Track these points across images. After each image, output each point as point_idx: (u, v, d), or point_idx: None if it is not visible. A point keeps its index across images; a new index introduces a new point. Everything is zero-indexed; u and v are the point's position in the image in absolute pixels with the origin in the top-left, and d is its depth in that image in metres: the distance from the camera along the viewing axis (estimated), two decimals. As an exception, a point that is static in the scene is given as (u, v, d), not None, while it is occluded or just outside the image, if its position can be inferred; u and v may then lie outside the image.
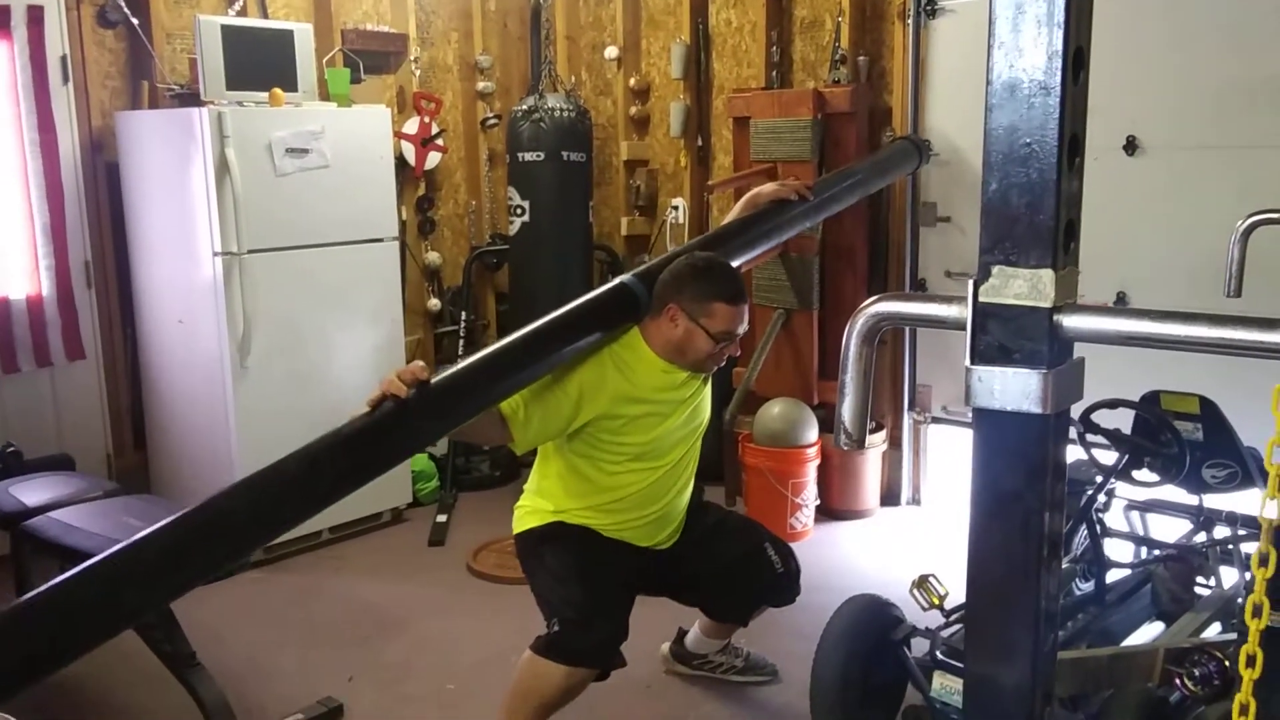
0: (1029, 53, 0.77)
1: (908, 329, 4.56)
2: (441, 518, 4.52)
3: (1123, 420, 3.13)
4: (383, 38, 5.03)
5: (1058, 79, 0.76)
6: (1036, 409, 0.80)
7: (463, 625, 3.62)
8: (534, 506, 2.78)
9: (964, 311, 0.83)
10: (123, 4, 4.17)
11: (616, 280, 2.72)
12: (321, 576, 4.05)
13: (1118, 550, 3.31)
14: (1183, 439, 2.98)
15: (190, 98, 4.13)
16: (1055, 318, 0.79)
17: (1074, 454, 3.39)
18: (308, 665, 3.36)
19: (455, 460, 4.91)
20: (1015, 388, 0.80)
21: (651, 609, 3.60)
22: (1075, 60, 0.77)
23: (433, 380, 2.14)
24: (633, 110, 5.37)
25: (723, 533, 2.97)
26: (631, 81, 5.30)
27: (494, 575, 3.96)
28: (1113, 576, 3.14)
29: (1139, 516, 3.51)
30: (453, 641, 3.48)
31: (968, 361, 0.84)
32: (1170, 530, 3.40)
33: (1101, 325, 0.80)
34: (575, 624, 2.55)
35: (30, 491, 3.35)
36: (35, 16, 3.99)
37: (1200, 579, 3.09)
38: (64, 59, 4.11)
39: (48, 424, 4.21)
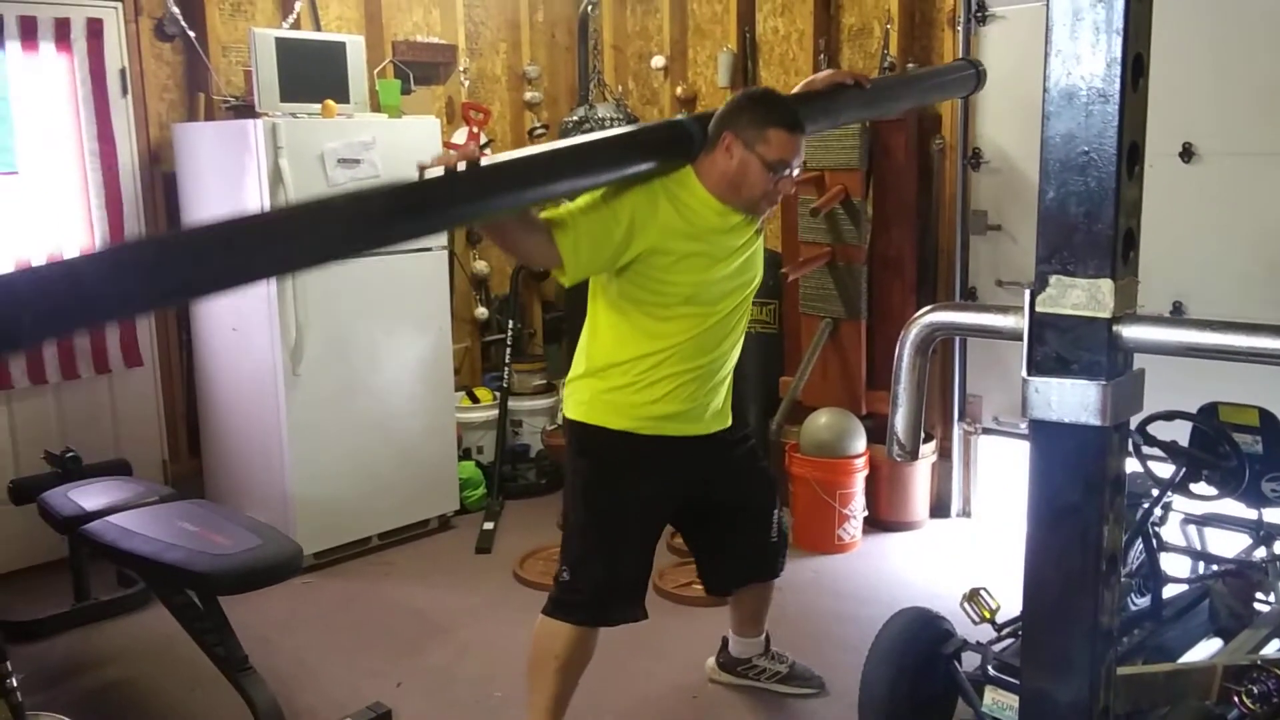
0: (1086, 60, 0.76)
1: (957, 339, 4.51)
2: (488, 525, 4.55)
3: (1180, 432, 3.08)
4: (432, 49, 5.09)
5: (1116, 86, 0.74)
6: (1095, 421, 0.78)
7: (509, 632, 3.63)
8: (583, 382, 2.70)
9: (1020, 322, 0.82)
10: (180, 17, 4.26)
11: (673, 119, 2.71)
12: (370, 582, 4.09)
13: (1174, 565, 3.25)
14: (1241, 452, 2.92)
15: (245, 109, 4.20)
16: (1114, 328, 0.78)
17: (1130, 466, 3.34)
18: (356, 670, 3.39)
19: (502, 468, 4.94)
20: (1073, 399, 0.79)
21: (697, 621, 3.60)
22: (1134, 67, 0.76)
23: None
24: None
25: (753, 474, 2.97)
26: (678, 90, 5.30)
27: (540, 583, 3.97)
28: (1169, 592, 3.08)
29: (1196, 531, 3.44)
30: (500, 649, 3.49)
31: (1024, 372, 0.83)
32: (1229, 545, 3.33)
33: (1162, 336, 0.79)
34: (583, 589, 2.67)
35: (88, 496, 3.42)
36: (95, 30, 4.09)
37: (1260, 595, 3.02)
38: (123, 71, 4.21)
39: (106, 430, 4.30)
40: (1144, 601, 3.08)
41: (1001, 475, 4.54)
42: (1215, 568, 3.15)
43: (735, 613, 3.22)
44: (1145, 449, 3.05)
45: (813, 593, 3.99)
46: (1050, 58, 0.78)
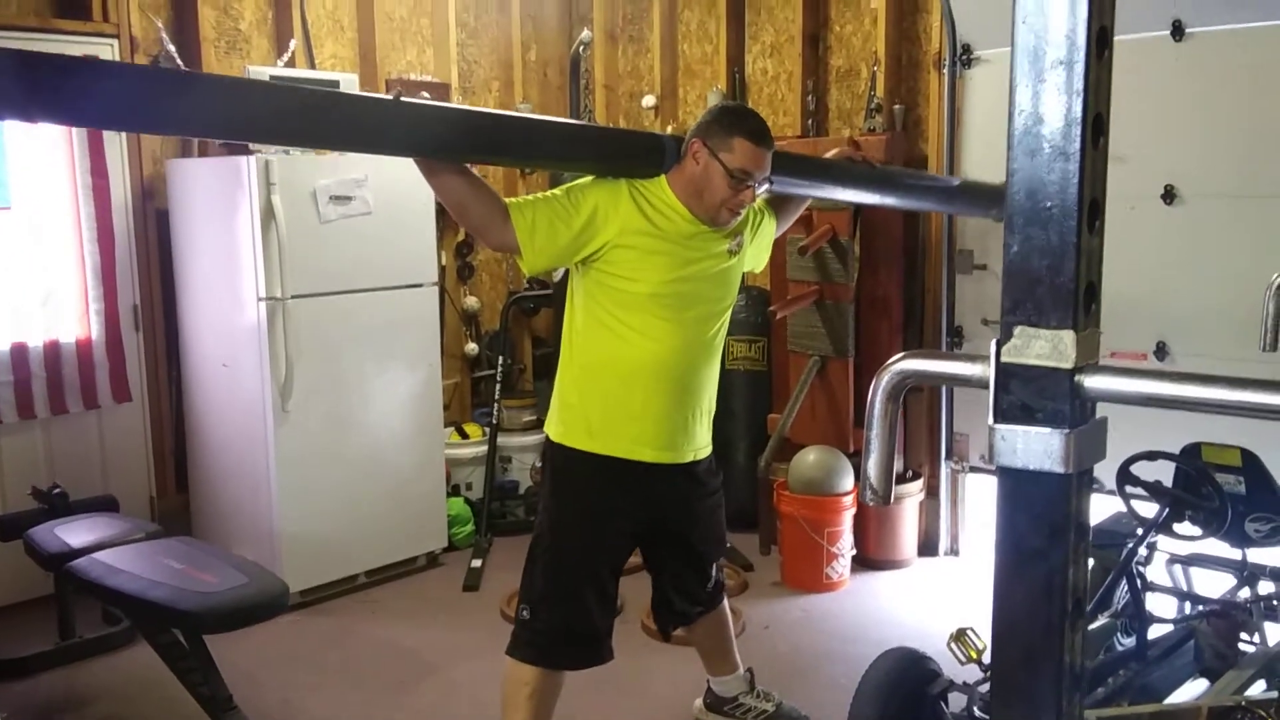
0: (1049, 119, 0.79)
1: (945, 377, 4.53)
2: (476, 562, 4.54)
3: (1166, 472, 3.10)
4: (426, 87, 5.13)
5: (1077, 145, 0.77)
6: (1059, 468, 0.80)
7: (495, 671, 3.58)
8: (560, 398, 2.73)
9: (987, 370, 0.84)
10: (175, 54, 4.30)
11: None
12: (357, 620, 4.07)
13: (1161, 605, 3.26)
14: (1224, 492, 2.94)
15: (238, 146, 4.22)
16: (1077, 378, 0.80)
17: (1114, 506, 3.36)
18: (342, 709, 3.37)
19: (491, 505, 4.93)
20: (1037, 447, 0.81)
21: (684, 660, 3.59)
22: (1094, 126, 0.79)
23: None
24: (670, 158, 5.43)
25: (710, 528, 2.97)
26: (669, 129, 5.36)
27: (528, 621, 3.96)
28: (1155, 632, 3.09)
29: (1182, 570, 3.46)
30: (488, 688, 3.46)
31: (991, 420, 0.85)
32: (1214, 585, 3.34)
33: (1123, 386, 0.81)
34: (543, 630, 2.70)
35: (75, 533, 3.42)
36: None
37: (1244, 635, 3.02)
38: (118, 110, 4.24)
39: (94, 465, 4.29)
40: (1130, 642, 3.09)
41: (989, 514, 4.54)
42: (1200, 608, 3.16)
43: (699, 653, 3.22)
44: (1129, 489, 3.08)
45: (800, 631, 3.98)
46: (1014, 116, 0.81)
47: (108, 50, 4.19)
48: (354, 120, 2.16)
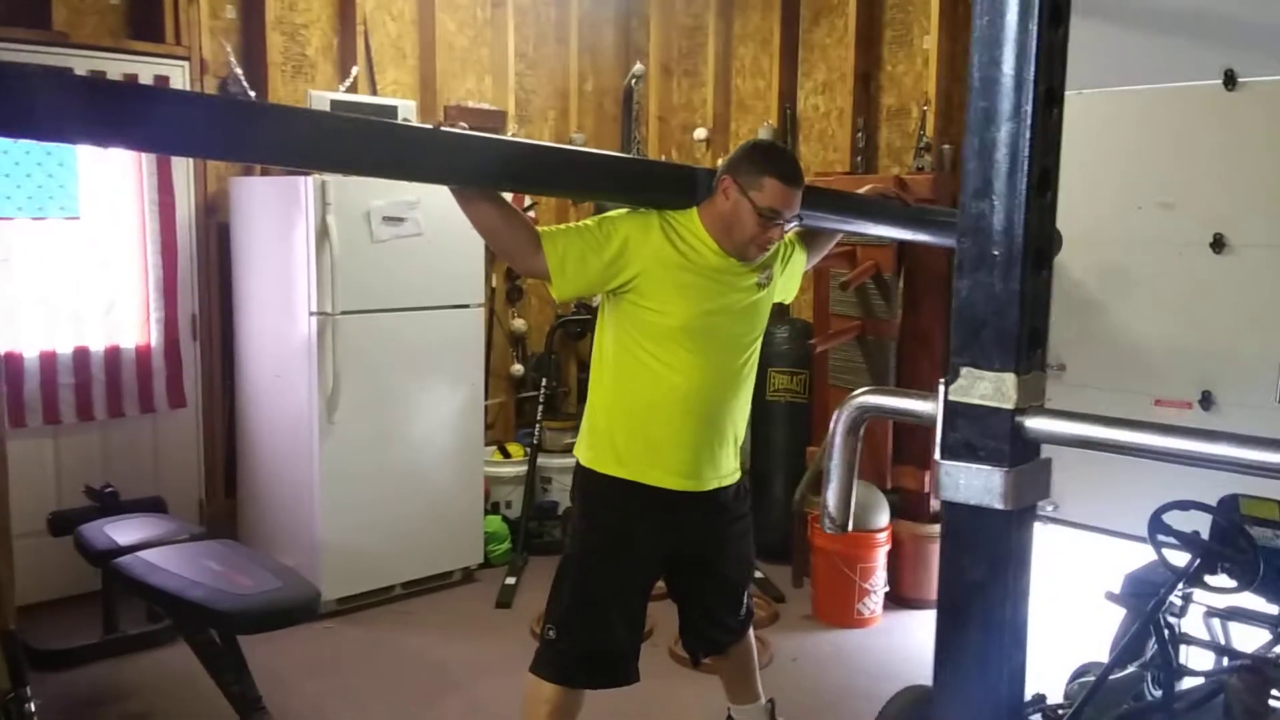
0: (999, 171, 0.83)
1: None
2: (510, 580, 4.60)
3: (1205, 523, 3.06)
4: (483, 114, 5.27)
5: (1023, 198, 0.81)
6: (999, 505, 0.83)
7: (520, 688, 3.65)
8: (591, 423, 2.78)
9: (936, 408, 0.88)
10: (242, 77, 4.47)
11: None
12: (389, 631, 4.15)
13: (1197, 659, 3.20)
14: (1256, 545, 2.89)
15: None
16: (1017, 419, 0.84)
17: (1149, 555, 3.31)
18: (370, 719, 3.43)
19: (529, 524, 4.99)
20: (978, 484, 0.84)
21: (709, 687, 3.60)
22: (1041, 179, 0.83)
23: None
24: (720, 190, 5.49)
25: (739, 554, 2.97)
26: (719, 162, 5.41)
27: (556, 641, 4.00)
28: (1188, 684, 3.04)
29: (1220, 624, 3.40)
30: (509, 704, 3.50)
31: (937, 456, 0.89)
32: (1251, 640, 3.28)
33: (1063, 429, 0.84)
34: (567, 650, 2.71)
35: (122, 531, 3.54)
36: (161, 85, 4.30)
37: (1276, 692, 2.96)
38: (187, 127, 4.41)
39: (146, 468, 4.43)
40: (1160, 693, 3.04)
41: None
42: (1231, 662, 3.10)
43: (722, 680, 3.22)
44: (1161, 538, 3.04)
45: (828, 666, 3.97)
46: (966, 165, 0.85)
47: (179, 72, 4.37)
48: (392, 149, 2.23)
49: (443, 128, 2.36)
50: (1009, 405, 0.83)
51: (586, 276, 2.62)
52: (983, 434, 0.84)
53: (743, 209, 2.60)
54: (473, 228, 2.59)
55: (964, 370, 0.85)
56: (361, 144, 2.17)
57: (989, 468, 0.84)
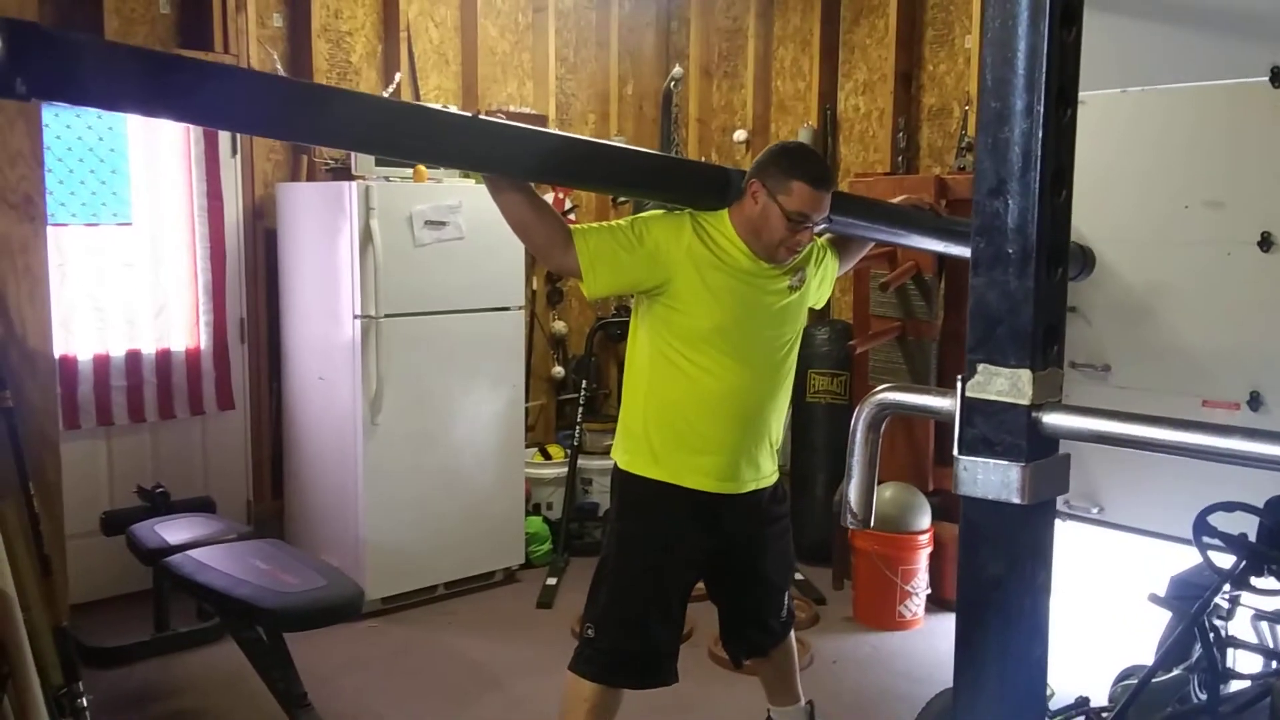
0: (1013, 170, 0.84)
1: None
2: (551, 580, 4.63)
3: (1252, 525, 3.01)
4: (524, 118, 5.30)
5: (1036, 198, 0.82)
6: (1016, 499, 0.84)
7: (559, 688, 3.67)
8: (627, 427, 2.78)
9: (954, 404, 0.89)
10: (289, 86, 4.55)
11: None
12: (432, 630, 4.20)
13: (1246, 662, 3.16)
14: (1304, 547, 2.84)
15: (342, 172, 4.46)
16: (1034, 414, 0.84)
17: (1194, 558, 3.27)
18: (407, 715, 3.48)
19: (569, 525, 5.03)
20: (996, 479, 0.85)
21: (745, 688, 3.61)
22: (1055, 178, 0.83)
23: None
24: (760, 191, 5.49)
25: (778, 554, 2.97)
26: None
27: (597, 641, 4.03)
28: (1234, 687, 3.00)
29: (1269, 627, 3.34)
30: (548, 704, 3.53)
31: (955, 451, 0.90)
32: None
33: (1080, 424, 0.85)
34: (606, 649, 2.72)
35: (173, 530, 3.62)
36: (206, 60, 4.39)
37: (1325, 697, 2.91)
38: (234, 135, 4.50)
39: (196, 468, 4.53)
40: (1204, 696, 3.01)
41: (1071, 559, 4.45)
42: (1278, 665, 3.06)
43: (762, 681, 3.22)
44: (1206, 539, 3.00)
45: (869, 669, 3.96)
46: (980, 165, 0.86)
47: (227, 79, 4.45)
48: (430, 133, 2.25)
49: (481, 116, 2.38)
50: (1025, 401, 0.83)
51: (618, 275, 2.64)
52: (999, 429, 0.85)
53: (771, 213, 2.60)
54: (505, 222, 2.61)
55: (980, 367, 0.86)
56: (399, 125, 2.20)
57: (1006, 463, 0.85)
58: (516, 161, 2.44)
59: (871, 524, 1.00)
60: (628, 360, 2.82)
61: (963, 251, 3.51)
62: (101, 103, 1.89)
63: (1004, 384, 0.84)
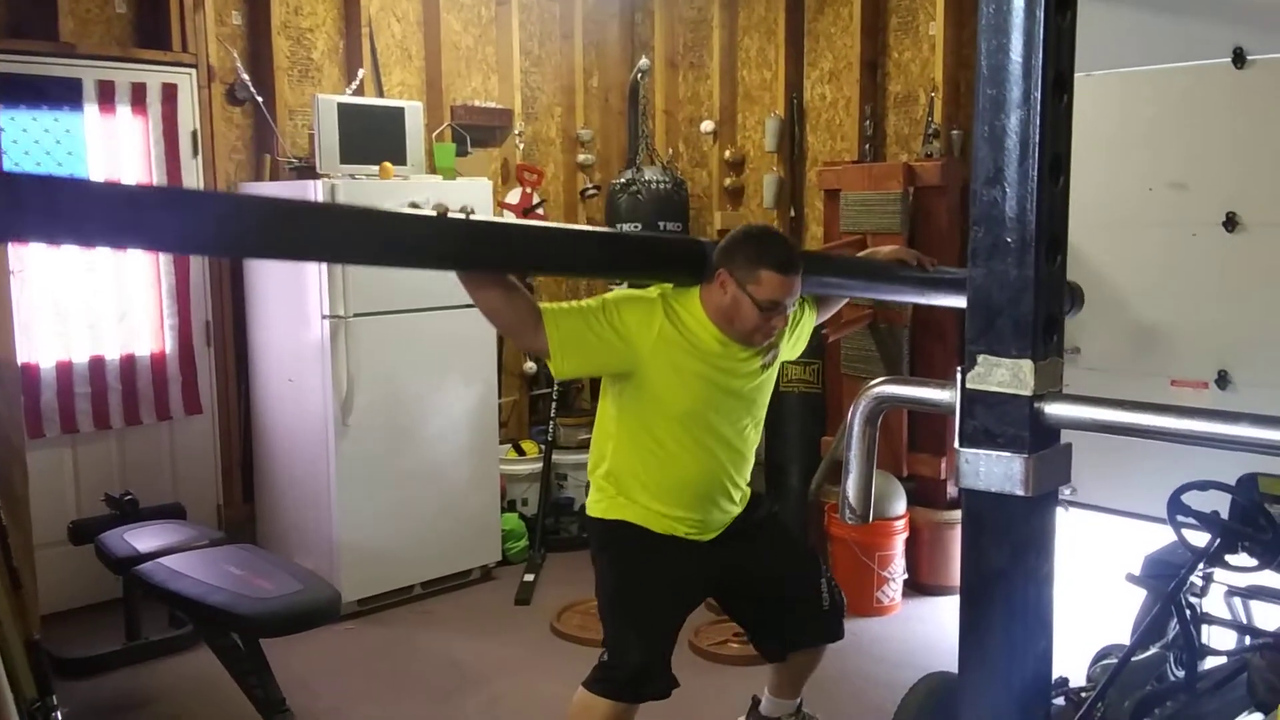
0: (1010, 158, 0.83)
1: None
2: (529, 577, 4.61)
3: (1224, 502, 3.04)
4: (490, 113, 5.27)
5: (1035, 185, 0.81)
6: (1019, 491, 0.83)
7: (544, 686, 3.67)
8: (599, 482, 2.78)
9: (954, 396, 0.88)
10: (250, 83, 4.48)
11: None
12: (410, 630, 4.17)
13: (1220, 638, 3.20)
14: (1277, 523, 2.88)
15: (307, 170, 4.40)
16: (1036, 405, 0.84)
17: (1168, 536, 3.30)
18: (390, 717, 3.45)
19: (545, 521, 5.00)
20: (998, 470, 0.84)
21: (729, 680, 3.61)
22: (1053, 165, 0.82)
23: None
24: (727, 181, 5.49)
25: (783, 548, 2.96)
26: (726, 154, 5.42)
27: (576, 637, 4.02)
28: (1210, 663, 3.03)
29: (1241, 603, 3.39)
30: (533, 702, 3.54)
31: (956, 444, 0.89)
32: (1275, 618, 3.27)
33: (1082, 414, 0.84)
34: (622, 668, 2.65)
35: (143, 538, 3.56)
36: (169, 94, 4.32)
37: (1300, 670, 2.95)
38: (194, 133, 4.43)
39: (164, 475, 4.46)
40: (1182, 673, 3.04)
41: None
42: (1254, 640, 3.10)
43: (778, 674, 3.16)
44: (1180, 518, 3.03)
45: (848, 655, 3.96)
46: (977, 153, 0.85)
47: (186, 80, 4.38)
48: (394, 238, 2.24)
49: (448, 214, 2.30)
50: (1027, 392, 0.83)
51: (587, 360, 2.63)
52: (1001, 421, 0.84)
53: (743, 303, 2.56)
54: (475, 306, 2.54)
55: (981, 358, 0.85)
56: (364, 233, 2.20)
57: (1009, 454, 0.84)
58: (484, 260, 2.39)
59: (871, 519, 0.99)
60: (599, 414, 2.80)
61: (956, 302, 3.47)
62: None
63: (1005, 375, 0.83)
